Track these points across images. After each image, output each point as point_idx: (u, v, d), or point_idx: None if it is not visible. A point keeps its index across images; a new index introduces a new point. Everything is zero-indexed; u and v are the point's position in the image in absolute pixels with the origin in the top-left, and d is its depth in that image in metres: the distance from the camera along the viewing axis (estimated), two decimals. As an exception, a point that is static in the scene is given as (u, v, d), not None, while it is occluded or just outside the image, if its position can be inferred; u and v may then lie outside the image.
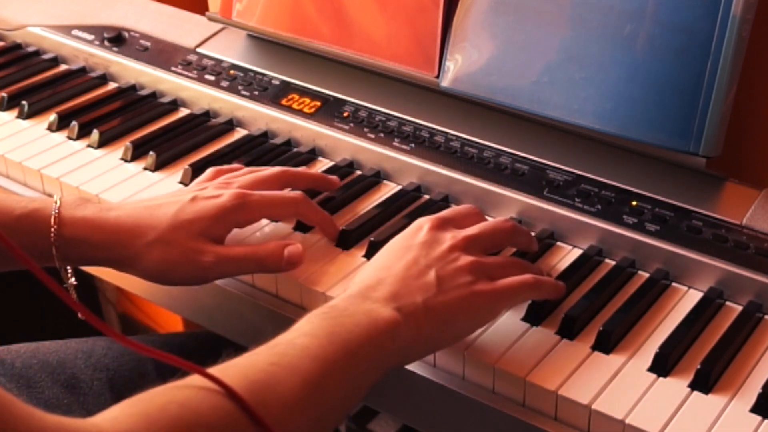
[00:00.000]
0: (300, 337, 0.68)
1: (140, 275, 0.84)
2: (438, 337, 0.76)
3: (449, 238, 0.80)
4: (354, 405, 0.71)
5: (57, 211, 0.83)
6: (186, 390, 0.61)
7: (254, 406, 0.60)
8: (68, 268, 0.87)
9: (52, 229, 0.83)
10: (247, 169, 0.94)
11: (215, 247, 0.84)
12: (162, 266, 0.83)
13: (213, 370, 0.62)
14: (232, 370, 0.64)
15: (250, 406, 0.60)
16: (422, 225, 0.82)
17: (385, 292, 0.74)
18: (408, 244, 0.80)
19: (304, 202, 0.90)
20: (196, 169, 1.02)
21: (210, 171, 0.94)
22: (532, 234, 0.90)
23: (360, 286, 0.76)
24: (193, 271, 0.83)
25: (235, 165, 0.97)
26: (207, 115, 1.15)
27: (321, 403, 0.66)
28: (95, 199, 0.99)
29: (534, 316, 0.82)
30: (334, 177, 0.98)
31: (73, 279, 0.89)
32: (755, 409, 0.74)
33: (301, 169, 0.98)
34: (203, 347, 1.04)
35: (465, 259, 0.78)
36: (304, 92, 1.11)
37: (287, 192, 0.90)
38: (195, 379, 0.61)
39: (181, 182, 1.03)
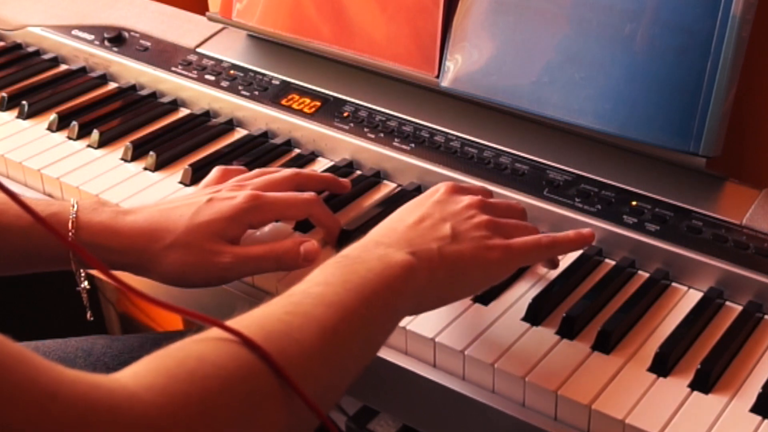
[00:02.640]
0: (314, 286, 0.68)
1: (158, 279, 0.85)
2: (451, 285, 0.76)
3: (466, 199, 0.81)
4: (372, 354, 0.71)
5: (75, 215, 0.84)
6: (204, 343, 0.61)
7: (274, 355, 0.60)
8: (81, 271, 0.88)
9: (70, 234, 0.83)
10: (258, 170, 0.94)
11: (232, 247, 0.84)
12: (180, 269, 0.83)
13: (229, 323, 0.62)
14: (247, 321, 0.64)
15: (270, 354, 0.60)
16: (438, 188, 0.83)
17: (399, 239, 0.75)
18: (423, 202, 0.81)
19: (317, 204, 0.90)
20: (196, 169, 1.02)
21: (216, 171, 0.94)
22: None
23: (373, 236, 0.77)
24: (212, 272, 0.84)
25: (240, 167, 0.97)
26: (207, 115, 1.15)
27: (339, 351, 0.66)
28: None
29: (534, 316, 0.82)
30: (345, 180, 0.98)
31: (86, 283, 0.89)
32: (755, 409, 0.74)
33: (313, 171, 0.98)
34: None
35: (480, 217, 0.79)
36: (304, 92, 1.11)
37: (301, 193, 0.90)
38: (213, 332, 0.61)
39: (181, 182, 1.03)
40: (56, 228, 0.82)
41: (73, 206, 0.84)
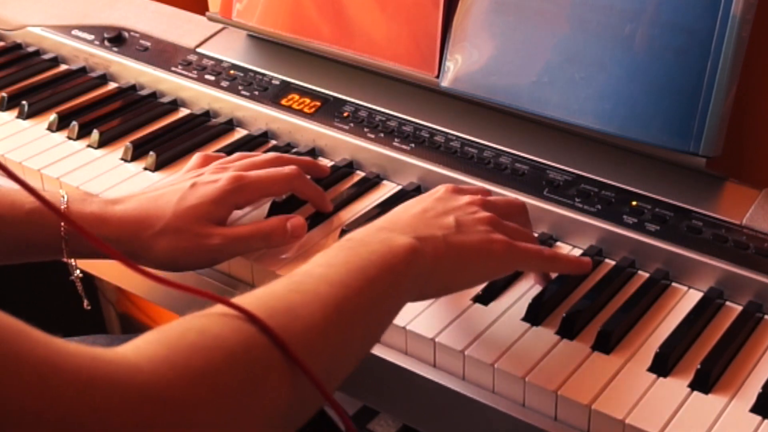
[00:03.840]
0: (317, 267, 0.69)
1: (151, 265, 0.85)
2: (454, 273, 0.76)
3: (466, 197, 0.82)
4: (376, 337, 0.71)
5: (66, 205, 0.85)
6: (206, 317, 0.61)
7: (276, 330, 0.61)
8: (73, 261, 0.89)
9: (62, 223, 0.84)
10: (239, 154, 0.96)
11: (221, 229, 0.86)
12: (172, 254, 0.84)
13: (232, 300, 0.63)
14: (250, 298, 0.64)
15: (272, 329, 0.60)
16: (439, 189, 0.84)
17: (404, 225, 0.76)
18: (425, 199, 0.81)
19: (298, 177, 0.92)
20: (196, 169, 1.02)
21: (197, 157, 0.95)
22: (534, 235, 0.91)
23: (377, 223, 0.77)
24: (203, 254, 0.86)
25: (219, 153, 0.98)
26: (207, 115, 1.15)
27: (342, 328, 0.66)
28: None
29: (534, 316, 0.82)
30: (325, 165, 1.01)
31: (78, 271, 0.90)
32: (755, 409, 0.74)
33: (293, 156, 1.00)
34: None
35: (483, 213, 0.80)
36: (304, 92, 1.11)
37: (281, 168, 0.92)
38: (216, 308, 0.62)
39: (181, 182, 1.03)
40: (50, 216, 0.83)
41: (63, 196, 0.86)
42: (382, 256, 0.71)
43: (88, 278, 0.92)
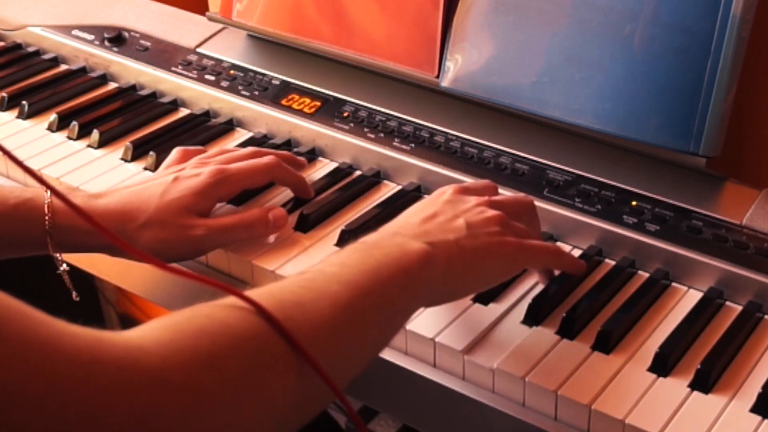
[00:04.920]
0: (329, 266, 0.69)
1: (136, 259, 0.85)
2: (467, 277, 0.76)
3: (474, 199, 0.82)
4: (388, 338, 0.71)
5: (49, 199, 0.85)
6: (215, 306, 0.61)
7: (282, 321, 0.61)
8: (58, 255, 0.89)
9: (47, 217, 0.84)
10: (219, 149, 0.98)
11: (204, 220, 0.88)
12: (157, 246, 0.85)
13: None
14: (260, 291, 0.64)
15: (277, 319, 0.60)
16: (445, 190, 0.84)
17: (416, 231, 0.76)
18: (433, 202, 0.81)
19: (278, 166, 0.94)
20: (196, 169, 1.02)
21: (176, 152, 0.97)
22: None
23: (390, 227, 0.77)
24: (187, 245, 0.87)
25: (198, 147, 1.00)
26: (207, 115, 1.15)
27: (351, 328, 0.66)
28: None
29: (534, 316, 0.82)
30: (302, 158, 1.03)
31: (65, 265, 0.91)
32: (755, 409, 0.74)
33: (272, 150, 1.01)
34: None
35: (492, 212, 0.80)
36: (304, 92, 1.11)
37: (260, 159, 0.94)
38: (223, 300, 0.62)
39: (181, 182, 1.03)
40: (34, 211, 0.83)
41: (47, 191, 0.86)
42: (396, 259, 0.71)
43: (88, 278, 0.92)
